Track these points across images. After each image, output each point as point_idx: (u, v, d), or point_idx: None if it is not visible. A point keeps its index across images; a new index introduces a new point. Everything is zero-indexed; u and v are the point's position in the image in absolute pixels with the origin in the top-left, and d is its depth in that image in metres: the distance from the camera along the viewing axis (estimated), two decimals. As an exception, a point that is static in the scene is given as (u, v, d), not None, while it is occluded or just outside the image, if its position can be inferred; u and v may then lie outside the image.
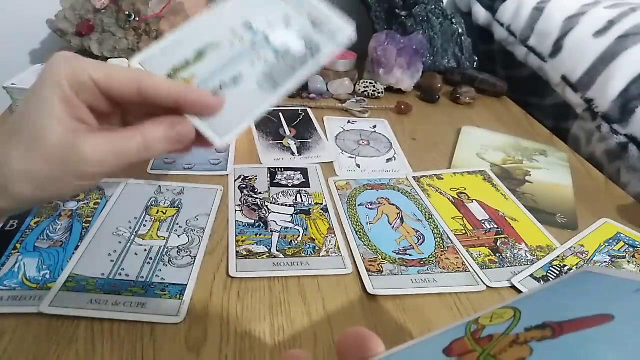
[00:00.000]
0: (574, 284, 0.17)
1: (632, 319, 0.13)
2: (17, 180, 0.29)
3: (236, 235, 0.42)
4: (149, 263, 0.38)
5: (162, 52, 0.33)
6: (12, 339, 0.31)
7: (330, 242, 0.42)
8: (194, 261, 0.38)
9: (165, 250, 0.39)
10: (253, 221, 0.44)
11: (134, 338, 0.32)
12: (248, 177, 0.51)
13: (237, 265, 0.38)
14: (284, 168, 0.53)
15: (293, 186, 0.50)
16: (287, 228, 0.43)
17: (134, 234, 0.41)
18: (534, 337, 0.14)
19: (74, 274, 0.36)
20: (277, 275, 0.38)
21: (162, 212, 0.44)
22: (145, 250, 0.39)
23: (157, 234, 0.41)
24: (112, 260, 0.38)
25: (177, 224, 0.42)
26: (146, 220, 0.42)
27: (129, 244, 0.39)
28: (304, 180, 0.51)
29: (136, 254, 0.38)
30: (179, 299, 0.35)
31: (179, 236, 0.41)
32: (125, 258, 0.38)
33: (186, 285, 0.36)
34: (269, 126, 0.62)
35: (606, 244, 0.45)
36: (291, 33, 0.33)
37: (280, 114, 0.66)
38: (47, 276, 0.35)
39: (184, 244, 0.40)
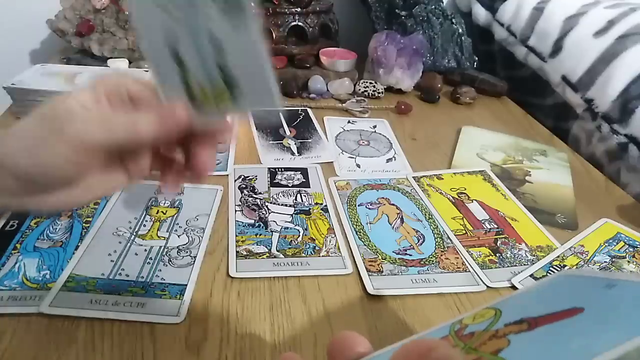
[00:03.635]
0: (551, 286, 0.19)
1: (599, 310, 0.14)
2: (12, 140, 0.29)
3: (236, 235, 0.42)
4: (149, 263, 0.38)
5: (162, 88, 0.32)
6: (12, 339, 0.31)
7: (330, 242, 0.42)
8: (194, 261, 0.38)
9: (165, 250, 0.39)
10: (253, 221, 0.44)
11: (134, 338, 0.32)
12: (248, 177, 0.51)
13: (237, 265, 0.38)
14: (284, 168, 0.53)
15: (293, 186, 0.50)
16: (287, 228, 0.43)
17: (134, 234, 0.41)
18: (511, 330, 0.15)
19: (74, 274, 0.36)
20: (277, 275, 0.38)
21: (162, 212, 0.44)
22: (145, 250, 0.39)
23: (157, 234, 0.41)
24: (112, 260, 0.38)
25: (177, 224, 0.42)
26: (146, 220, 0.42)
27: (129, 244, 0.39)
28: (304, 180, 0.51)
29: (136, 254, 0.38)
30: (179, 299, 0.35)
31: (179, 236, 0.41)
32: (125, 258, 0.38)
33: (186, 285, 0.36)
34: (269, 126, 0.62)
35: (606, 244, 0.45)
36: None
37: (280, 114, 0.66)
38: (47, 276, 0.35)
39: (184, 244, 0.40)
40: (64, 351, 0.30)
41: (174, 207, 0.45)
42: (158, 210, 0.44)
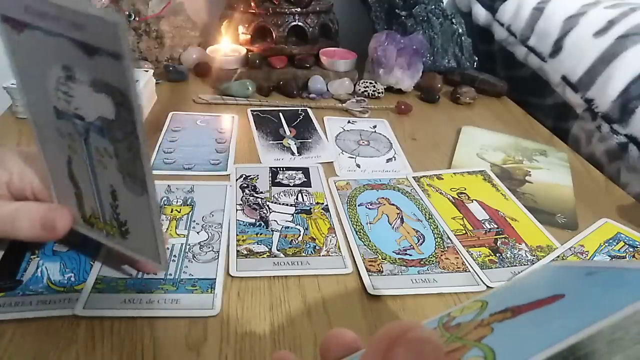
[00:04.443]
0: (535, 277, 0.20)
1: (579, 295, 0.15)
2: None
3: (237, 235, 0.42)
4: (174, 260, 0.38)
5: (58, 197, 0.32)
6: (12, 339, 0.31)
7: (330, 241, 0.42)
8: (218, 256, 0.39)
9: (188, 247, 0.40)
10: (254, 220, 0.44)
11: (134, 337, 0.32)
12: (249, 176, 0.51)
13: (237, 265, 0.38)
14: (285, 167, 0.53)
15: (294, 185, 0.50)
16: (288, 227, 0.43)
17: None
18: (496, 319, 0.16)
19: (102, 275, 0.36)
20: (277, 275, 0.38)
21: (176, 210, 0.44)
22: (168, 248, 0.39)
23: (175, 232, 0.41)
24: None
25: (194, 221, 0.43)
26: (162, 220, 0.43)
27: None
28: (305, 179, 0.51)
29: None
30: (211, 292, 0.35)
31: (198, 233, 0.42)
32: None
33: (215, 279, 0.37)
34: (268, 126, 0.62)
35: (606, 244, 0.45)
36: (83, 85, 0.24)
37: (280, 114, 0.66)
38: (72, 279, 0.35)
39: (205, 240, 0.41)
40: (64, 351, 0.30)
41: (188, 205, 0.45)
42: (172, 209, 0.44)
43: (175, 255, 0.39)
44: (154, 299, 0.34)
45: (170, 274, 0.37)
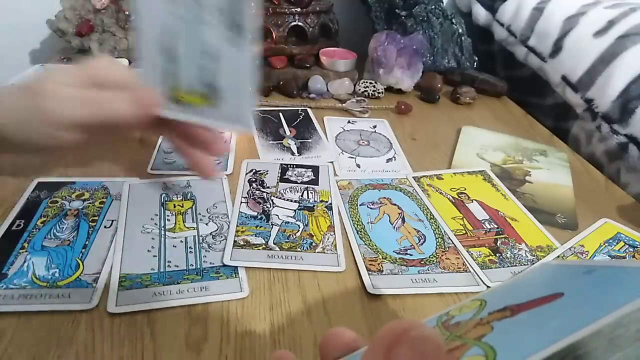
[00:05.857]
0: (534, 275, 0.20)
1: (578, 293, 0.15)
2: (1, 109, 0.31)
3: (237, 226, 0.42)
4: (191, 252, 0.39)
5: (146, 77, 0.33)
6: (12, 339, 0.31)
7: (328, 239, 0.42)
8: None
9: (201, 238, 0.40)
10: (256, 213, 0.44)
11: (134, 337, 0.32)
12: (259, 171, 0.51)
13: (232, 254, 0.39)
14: (295, 165, 0.53)
15: (302, 183, 0.50)
16: (288, 222, 0.44)
17: (162, 228, 0.41)
18: (495, 318, 0.16)
19: (124, 273, 0.36)
20: (269, 267, 0.39)
21: (179, 205, 0.45)
22: (181, 241, 0.40)
23: (184, 225, 0.42)
24: (154, 256, 0.38)
25: (200, 213, 0.44)
26: (168, 215, 0.43)
27: (162, 238, 0.40)
28: (314, 177, 0.51)
29: (174, 246, 0.39)
30: (236, 277, 0.37)
31: (206, 224, 0.42)
32: (166, 251, 0.39)
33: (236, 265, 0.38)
34: (268, 126, 0.62)
35: (606, 244, 0.45)
36: None
37: (280, 114, 0.66)
38: (57, 275, 0.35)
39: (216, 230, 0.42)
40: (64, 351, 0.30)
41: (189, 199, 0.45)
42: (175, 205, 0.45)
43: (191, 247, 0.39)
44: (183, 289, 0.35)
45: (192, 264, 0.38)
